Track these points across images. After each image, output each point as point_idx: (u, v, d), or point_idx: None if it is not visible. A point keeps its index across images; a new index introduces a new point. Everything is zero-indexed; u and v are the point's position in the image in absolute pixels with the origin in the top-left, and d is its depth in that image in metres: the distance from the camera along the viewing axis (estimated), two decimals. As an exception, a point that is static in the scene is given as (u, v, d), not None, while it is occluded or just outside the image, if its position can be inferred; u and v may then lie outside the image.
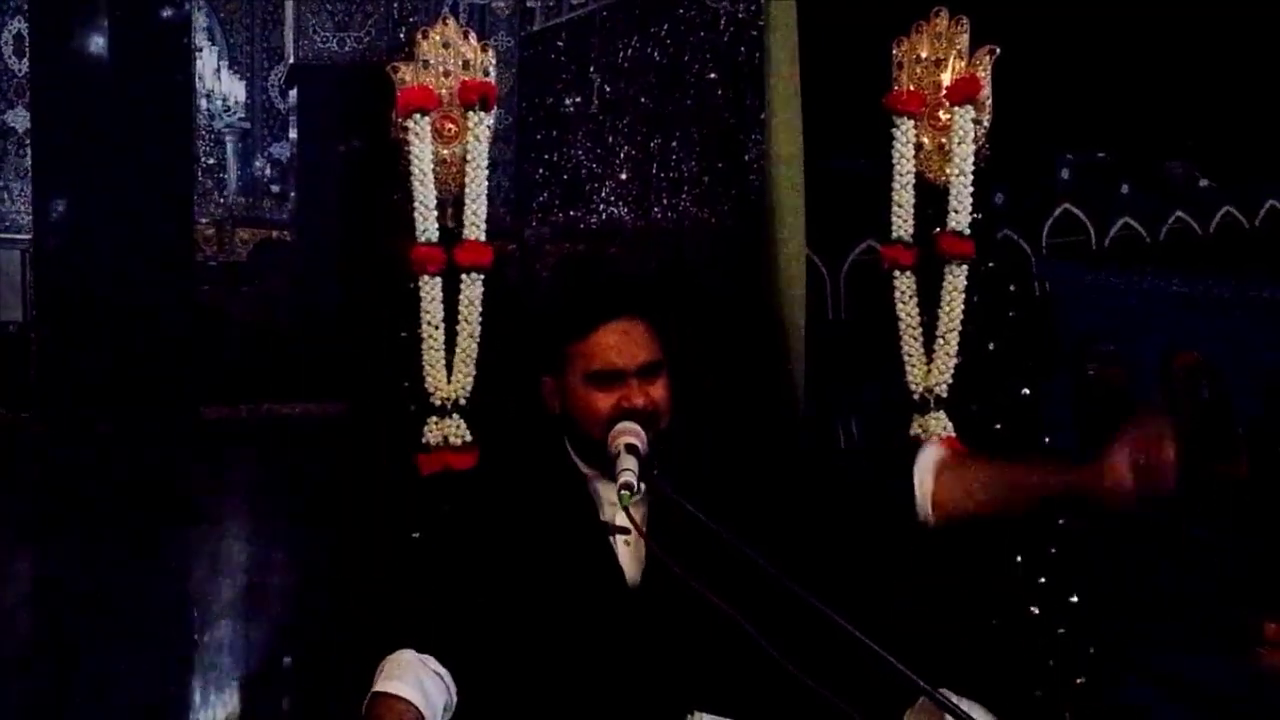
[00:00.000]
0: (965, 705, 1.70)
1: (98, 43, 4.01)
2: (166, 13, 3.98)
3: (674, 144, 3.45)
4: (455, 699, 1.94)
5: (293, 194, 4.60)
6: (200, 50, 4.33)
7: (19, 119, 4.15)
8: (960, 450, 2.11)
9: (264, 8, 4.63)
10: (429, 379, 2.45)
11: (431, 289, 2.48)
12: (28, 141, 4.00)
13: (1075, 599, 2.48)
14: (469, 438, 2.45)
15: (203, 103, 4.61)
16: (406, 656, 1.92)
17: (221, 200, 4.91)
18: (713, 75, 3.33)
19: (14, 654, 3.85)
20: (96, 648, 3.78)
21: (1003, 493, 2.00)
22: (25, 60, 4.06)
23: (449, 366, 2.48)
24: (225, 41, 4.83)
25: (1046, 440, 2.55)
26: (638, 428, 1.93)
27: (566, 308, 2.10)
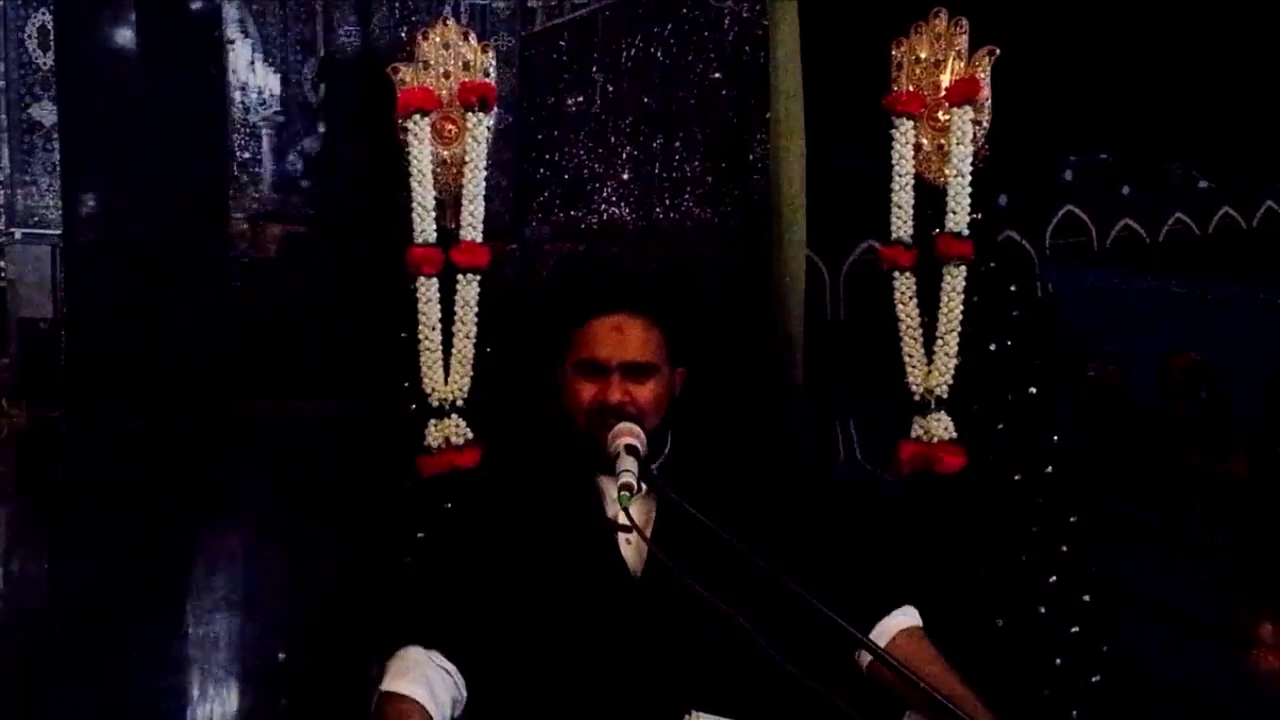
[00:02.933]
0: (965, 705, 1.71)
1: (125, 35, 4.00)
2: (196, 5, 3.96)
3: (677, 144, 3.46)
4: (465, 694, 1.94)
5: (319, 190, 4.59)
6: (233, 43, 4.31)
7: (45, 113, 4.14)
8: (925, 639, 1.98)
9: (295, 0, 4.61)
10: (426, 380, 2.46)
11: (428, 290, 2.48)
12: (55, 136, 3.98)
13: (1087, 597, 2.48)
14: (470, 435, 2.46)
15: (237, 95, 4.58)
16: (413, 654, 1.92)
17: (257, 195, 4.88)
18: (716, 75, 3.34)
19: (46, 648, 3.86)
20: (130, 639, 3.79)
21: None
22: (50, 54, 4.04)
23: (446, 367, 2.48)
24: (259, 34, 4.79)
25: (1055, 439, 2.55)
26: (636, 428, 1.94)
27: (570, 297, 2.13)
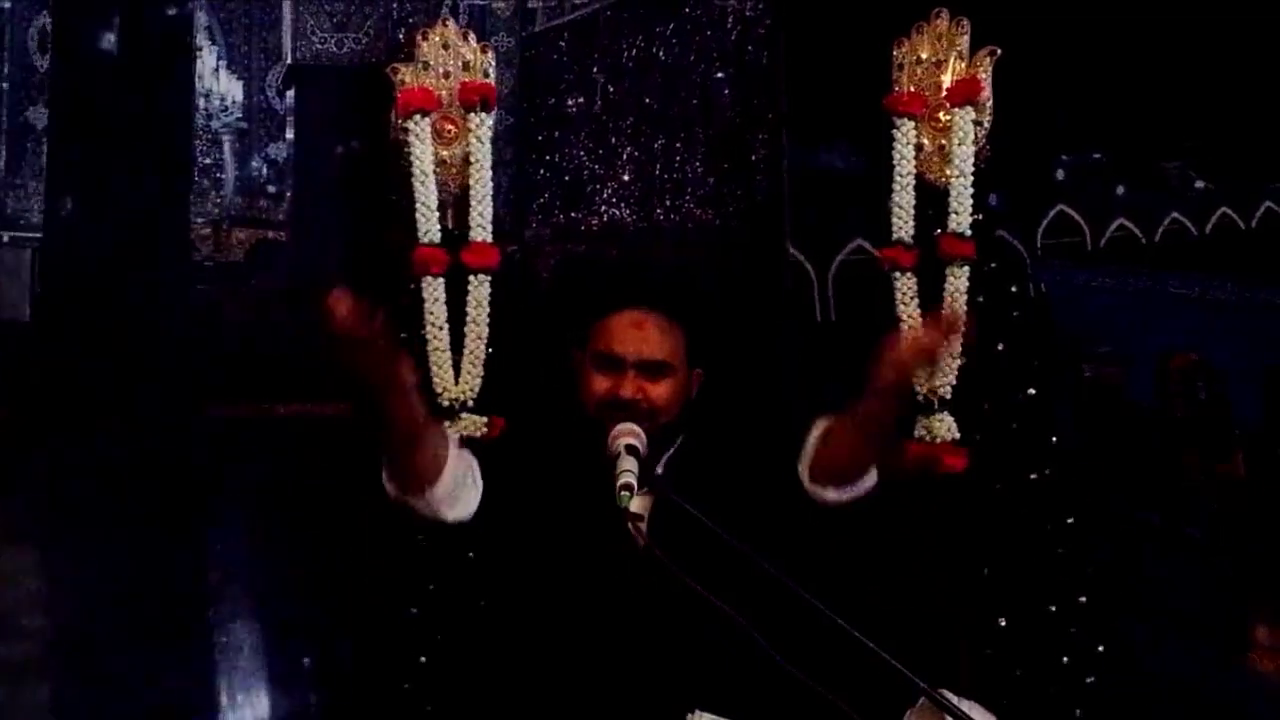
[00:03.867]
0: (965, 705, 1.71)
1: (109, 39, 4.00)
2: (172, 11, 3.96)
3: (678, 145, 3.45)
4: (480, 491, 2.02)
5: (289, 194, 4.58)
6: (200, 50, 4.29)
7: (40, 117, 4.14)
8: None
9: (262, 8, 4.60)
10: (436, 380, 2.45)
11: (434, 290, 2.48)
12: (45, 139, 3.97)
13: (1084, 599, 2.48)
14: (486, 429, 2.46)
15: (200, 102, 4.55)
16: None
17: (218, 200, 4.88)
18: (719, 74, 3.33)
19: (22, 653, 3.85)
20: (102, 646, 3.79)
21: (850, 434, 2.04)
22: (47, 57, 4.03)
23: (456, 367, 2.48)
24: (224, 41, 4.79)
25: (1054, 440, 2.55)
26: (636, 428, 1.95)
27: (593, 288, 2.15)
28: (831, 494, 2.05)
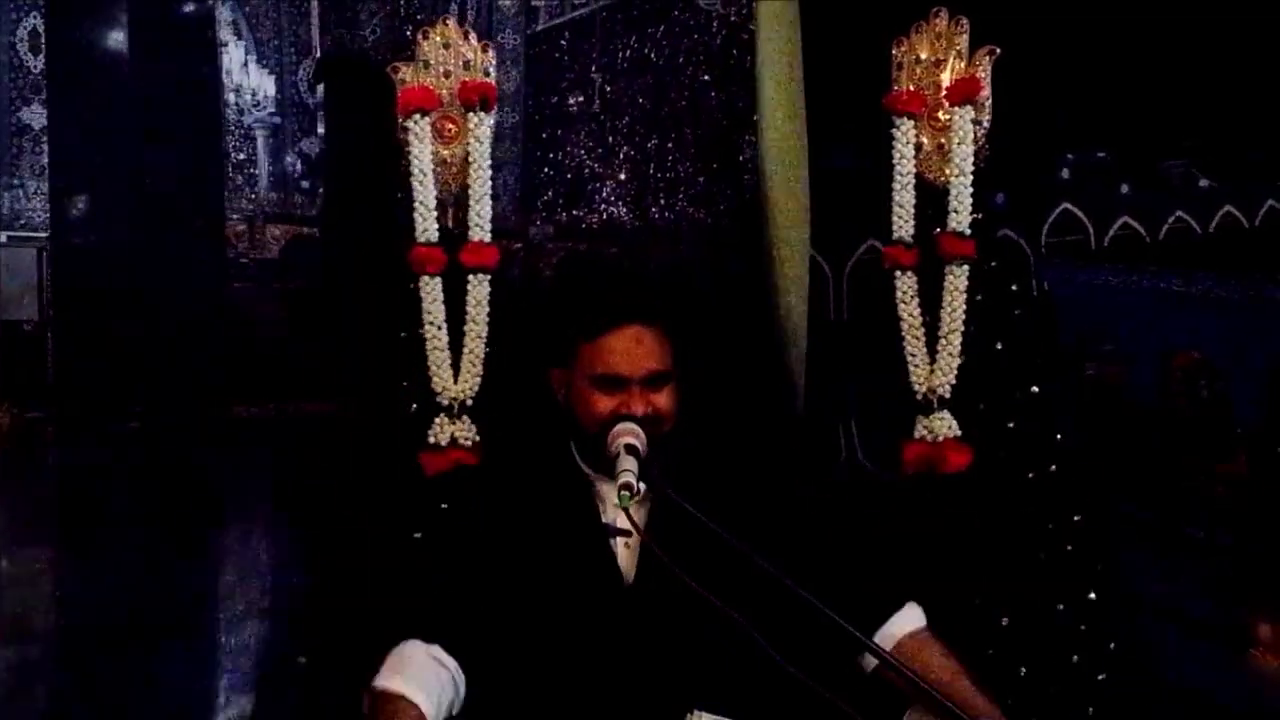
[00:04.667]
0: (965, 705, 1.71)
1: (116, 38, 4.00)
2: (188, 7, 3.96)
3: (670, 145, 3.47)
4: (464, 691, 1.93)
5: (320, 190, 4.59)
6: (226, 45, 4.30)
7: (35, 116, 4.15)
8: (932, 638, 1.97)
9: (290, 0, 4.61)
10: (435, 379, 2.45)
11: (432, 289, 2.48)
12: (44, 139, 3.98)
13: (1093, 596, 2.48)
14: (477, 438, 2.46)
15: (231, 98, 4.56)
16: (410, 649, 1.91)
17: (253, 196, 4.89)
18: (706, 77, 3.35)
19: (37, 653, 3.86)
20: (120, 645, 3.79)
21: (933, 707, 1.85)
22: (40, 57, 4.05)
23: (455, 367, 2.48)
24: (252, 36, 4.80)
25: (1058, 438, 2.55)
26: (637, 428, 1.94)
27: (582, 305, 2.12)
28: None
